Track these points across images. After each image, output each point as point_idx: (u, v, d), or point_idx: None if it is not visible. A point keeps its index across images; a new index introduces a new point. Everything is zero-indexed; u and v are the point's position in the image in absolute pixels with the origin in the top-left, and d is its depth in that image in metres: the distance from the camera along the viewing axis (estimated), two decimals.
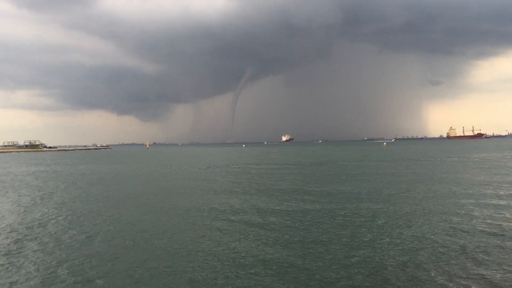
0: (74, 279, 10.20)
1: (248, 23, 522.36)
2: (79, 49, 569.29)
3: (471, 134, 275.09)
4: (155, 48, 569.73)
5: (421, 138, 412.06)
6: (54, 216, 18.57)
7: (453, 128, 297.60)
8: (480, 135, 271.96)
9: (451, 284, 9.27)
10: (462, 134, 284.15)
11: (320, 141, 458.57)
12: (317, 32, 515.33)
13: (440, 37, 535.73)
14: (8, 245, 13.53)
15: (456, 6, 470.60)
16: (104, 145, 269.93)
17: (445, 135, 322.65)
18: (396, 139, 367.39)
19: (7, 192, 28.64)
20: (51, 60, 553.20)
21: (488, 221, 15.39)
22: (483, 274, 9.83)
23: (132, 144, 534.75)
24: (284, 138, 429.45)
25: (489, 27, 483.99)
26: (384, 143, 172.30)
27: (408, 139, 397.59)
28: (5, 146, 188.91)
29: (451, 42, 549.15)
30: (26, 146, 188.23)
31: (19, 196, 26.23)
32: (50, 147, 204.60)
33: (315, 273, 10.22)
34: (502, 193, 22.51)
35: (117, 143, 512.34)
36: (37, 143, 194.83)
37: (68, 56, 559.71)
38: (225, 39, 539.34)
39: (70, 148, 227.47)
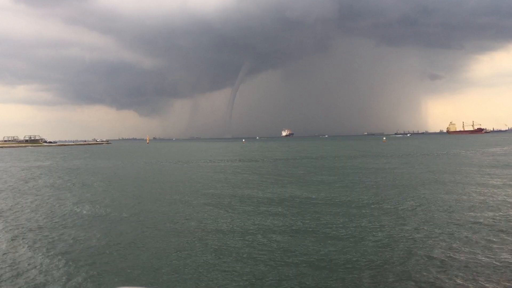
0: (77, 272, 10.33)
1: (246, 17, 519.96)
2: (78, 44, 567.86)
3: (471, 129, 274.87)
4: (153, 43, 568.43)
5: (422, 133, 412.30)
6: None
7: (453, 123, 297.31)
8: (480, 130, 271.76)
9: (450, 283, 9.35)
10: (462, 129, 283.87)
11: (326, 136, 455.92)
12: (315, 26, 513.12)
13: (438, 31, 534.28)
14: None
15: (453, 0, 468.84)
16: (104, 139, 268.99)
17: (445, 130, 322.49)
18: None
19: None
20: (50, 54, 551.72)
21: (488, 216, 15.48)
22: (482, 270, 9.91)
23: (132, 139, 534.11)
24: (284, 133, 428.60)
25: (487, 21, 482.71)
26: (384, 138, 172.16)
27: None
28: (5, 141, 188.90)
29: (449, 36, 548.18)
30: (26, 141, 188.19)
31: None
32: (50, 142, 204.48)
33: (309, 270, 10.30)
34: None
35: (117, 138, 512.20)
36: (37, 138, 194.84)
37: (67, 50, 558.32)
38: (223, 34, 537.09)
39: (70, 143, 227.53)
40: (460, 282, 9.19)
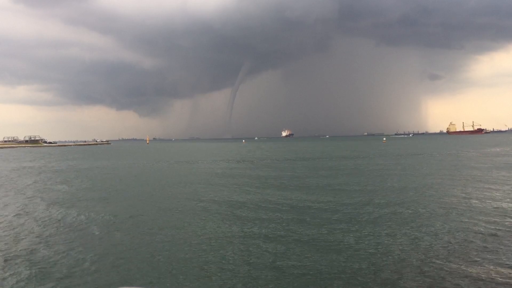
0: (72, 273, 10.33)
1: (246, 17, 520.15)
2: (78, 44, 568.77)
3: (471, 129, 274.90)
4: (153, 43, 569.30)
5: (423, 133, 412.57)
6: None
7: (453, 123, 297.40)
8: (480, 131, 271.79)
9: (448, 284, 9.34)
10: (462, 130, 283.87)
11: (327, 136, 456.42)
12: (315, 26, 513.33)
13: (438, 31, 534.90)
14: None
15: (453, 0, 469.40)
16: (104, 140, 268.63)
17: (445, 131, 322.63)
18: (412, 134, 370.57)
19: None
20: (50, 54, 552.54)
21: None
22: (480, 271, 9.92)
23: (132, 139, 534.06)
24: (284, 133, 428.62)
25: (487, 21, 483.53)
26: (384, 138, 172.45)
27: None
28: (5, 141, 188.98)
29: (449, 36, 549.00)
30: (26, 141, 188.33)
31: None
32: (50, 143, 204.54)
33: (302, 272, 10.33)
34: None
35: (117, 138, 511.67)
36: (37, 138, 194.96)
37: (67, 50, 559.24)
38: (223, 34, 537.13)
39: (70, 143, 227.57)
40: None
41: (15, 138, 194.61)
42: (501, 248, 11.72)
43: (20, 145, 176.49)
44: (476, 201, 19.14)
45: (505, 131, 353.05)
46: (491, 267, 10.29)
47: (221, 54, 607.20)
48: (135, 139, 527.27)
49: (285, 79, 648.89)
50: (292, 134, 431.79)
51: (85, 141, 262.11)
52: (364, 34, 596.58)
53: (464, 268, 10.22)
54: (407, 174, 32.28)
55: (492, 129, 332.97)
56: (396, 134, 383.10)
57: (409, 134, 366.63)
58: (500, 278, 9.57)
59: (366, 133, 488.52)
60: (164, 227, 15.49)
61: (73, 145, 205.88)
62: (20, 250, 12.68)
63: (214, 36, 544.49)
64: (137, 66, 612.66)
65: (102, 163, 57.75)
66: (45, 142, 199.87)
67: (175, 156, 76.27)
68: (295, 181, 29.20)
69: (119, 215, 18.03)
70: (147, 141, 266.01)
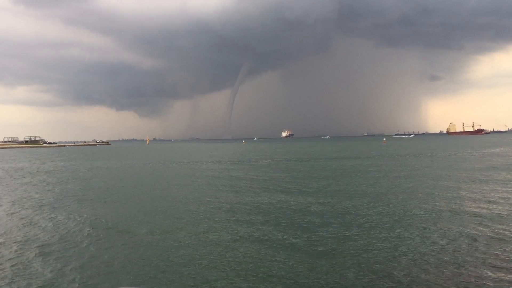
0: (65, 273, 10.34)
1: (246, 18, 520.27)
2: (78, 44, 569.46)
3: (471, 130, 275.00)
4: (153, 43, 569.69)
5: (423, 134, 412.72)
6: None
7: (453, 123, 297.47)
8: (480, 131, 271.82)
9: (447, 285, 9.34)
10: (462, 130, 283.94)
11: (328, 136, 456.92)
12: (315, 26, 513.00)
13: (438, 31, 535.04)
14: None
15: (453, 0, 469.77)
16: (104, 140, 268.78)
17: (445, 131, 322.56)
18: (413, 134, 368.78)
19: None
20: (50, 54, 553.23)
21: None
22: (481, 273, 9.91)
23: (132, 140, 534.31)
24: (284, 134, 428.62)
25: (487, 21, 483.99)
26: (384, 139, 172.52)
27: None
28: (5, 142, 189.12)
29: (449, 36, 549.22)
30: (26, 142, 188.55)
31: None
32: (50, 143, 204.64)
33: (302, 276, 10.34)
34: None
35: (117, 139, 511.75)
36: (37, 138, 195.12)
37: (67, 51, 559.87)
38: (223, 34, 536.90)
39: (70, 144, 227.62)
40: None
41: (15, 138, 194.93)
42: (498, 249, 11.76)
43: (20, 145, 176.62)
44: (474, 202, 19.15)
45: (505, 131, 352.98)
46: (490, 267, 10.32)
47: (221, 54, 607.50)
48: (135, 140, 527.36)
49: (285, 80, 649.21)
50: (292, 135, 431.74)
51: (85, 142, 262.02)
52: (364, 34, 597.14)
53: (457, 270, 10.23)
54: (407, 175, 32.27)
55: (492, 130, 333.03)
56: (396, 135, 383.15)
57: (410, 134, 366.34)
58: (497, 279, 9.59)
59: (366, 134, 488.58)
60: (164, 227, 15.48)
61: (73, 145, 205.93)
62: (18, 251, 12.71)
63: (214, 36, 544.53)
64: (137, 66, 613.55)
65: (102, 163, 57.76)
66: (45, 142, 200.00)
67: (175, 156, 76.29)
68: (295, 182, 29.20)
69: (118, 216, 18.04)
70: (147, 142, 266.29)
